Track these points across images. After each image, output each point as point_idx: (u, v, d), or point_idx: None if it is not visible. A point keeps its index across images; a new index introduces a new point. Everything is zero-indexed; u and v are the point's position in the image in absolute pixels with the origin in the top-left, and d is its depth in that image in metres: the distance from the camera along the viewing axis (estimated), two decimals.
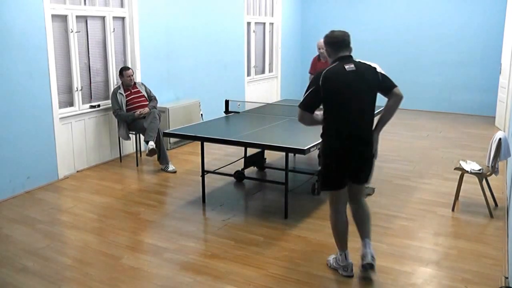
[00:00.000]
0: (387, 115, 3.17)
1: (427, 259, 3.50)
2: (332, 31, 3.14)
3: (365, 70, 3.04)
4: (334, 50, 3.08)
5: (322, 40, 6.55)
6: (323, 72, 2.99)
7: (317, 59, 6.62)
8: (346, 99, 3.00)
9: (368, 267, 3.14)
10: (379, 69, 3.09)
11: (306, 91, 3.06)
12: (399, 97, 3.14)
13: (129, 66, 6.16)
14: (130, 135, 5.88)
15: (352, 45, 3.13)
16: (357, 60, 3.08)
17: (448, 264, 3.42)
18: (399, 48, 9.82)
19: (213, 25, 7.72)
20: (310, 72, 6.70)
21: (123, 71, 5.79)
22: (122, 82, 5.83)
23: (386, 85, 3.11)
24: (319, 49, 6.47)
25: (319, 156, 3.40)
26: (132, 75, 5.83)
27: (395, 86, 3.13)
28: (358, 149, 3.06)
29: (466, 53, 9.20)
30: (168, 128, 6.03)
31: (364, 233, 3.25)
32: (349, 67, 2.98)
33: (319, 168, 3.31)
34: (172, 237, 3.90)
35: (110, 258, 3.55)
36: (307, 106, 3.05)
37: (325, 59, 6.49)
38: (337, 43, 3.06)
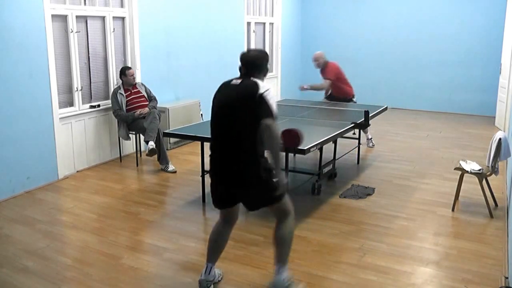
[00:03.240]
0: (271, 151, 2.71)
1: (427, 259, 3.50)
2: (249, 50, 3.05)
3: (246, 85, 2.76)
4: (240, 68, 2.91)
5: (316, 54, 6.72)
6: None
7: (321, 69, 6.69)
8: (218, 112, 2.83)
9: None
10: (264, 91, 2.70)
11: None
12: (268, 129, 2.63)
13: (129, 66, 6.16)
14: (130, 135, 5.88)
15: (265, 67, 2.93)
16: (253, 79, 2.81)
17: (448, 264, 3.42)
18: (399, 48, 9.82)
19: (213, 25, 7.72)
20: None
21: (126, 70, 5.79)
22: (123, 82, 5.83)
23: (262, 110, 2.66)
24: (313, 62, 6.60)
25: None
26: (134, 74, 5.84)
27: (268, 115, 2.64)
28: (226, 171, 2.81)
29: (466, 53, 9.21)
30: (168, 128, 6.03)
31: (275, 257, 2.95)
32: (235, 81, 2.83)
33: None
34: (172, 237, 3.90)
35: (110, 258, 3.55)
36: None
37: (321, 68, 6.61)
38: (245, 63, 2.88)
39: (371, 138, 6.82)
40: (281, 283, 2.90)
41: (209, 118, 2.95)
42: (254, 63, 2.89)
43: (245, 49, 8.60)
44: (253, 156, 2.74)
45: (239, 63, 2.93)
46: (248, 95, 2.72)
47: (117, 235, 3.95)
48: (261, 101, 2.68)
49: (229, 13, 8.15)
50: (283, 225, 2.92)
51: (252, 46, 9.04)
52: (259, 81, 2.79)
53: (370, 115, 5.14)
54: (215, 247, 3.06)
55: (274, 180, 2.75)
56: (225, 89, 2.87)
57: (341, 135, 4.76)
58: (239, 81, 2.83)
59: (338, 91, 6.69)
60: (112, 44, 6.06)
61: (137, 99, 5.86)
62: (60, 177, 5.37)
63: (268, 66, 3.00)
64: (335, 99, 6.68)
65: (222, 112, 2.80)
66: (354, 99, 6.79)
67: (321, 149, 4.78)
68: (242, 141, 2.73)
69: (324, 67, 6.60)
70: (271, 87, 2.86)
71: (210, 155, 2.91)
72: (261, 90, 2.71)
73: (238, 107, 2.74)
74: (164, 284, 3.17)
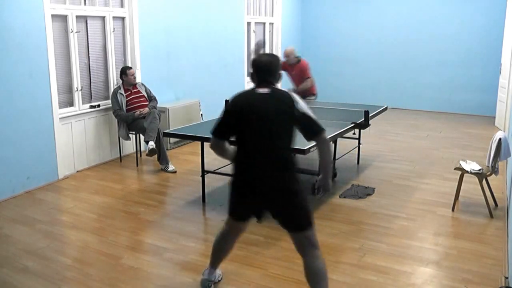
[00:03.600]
0: (323, 161, 2.69)
1: (427, 259, 3.50)
2: (260, 55, 2.88)
3: (281, 96, 2.63)
4: (253, 74, 2.72)
5: (288, 49, 6.64)
6: (234, 96, 2.72)
7: (285, 63, 6.62)
8: (250, 123, 2.61)
9: None
10: (298, 102, 2.62)
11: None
12: (324, 144, 2.66)
13: (130, 66, 6.16)
14: (130, 135, 5.88)
15: (279, 73, 2.77)
16: (281, 88, 2.75)
17: (448, 264, 3.42)
18: (399, 48, 9.82)
19: (213, 25, 7.71)
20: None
21: (127, 70, 5.79)
22: (123, 82, 5.83)
23: (307, 127, 2.63)
24: (284, 57, 6.53)
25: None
26: (135, 74, 5.84)
27: (320, 130, 2.61)
28: (263, 185, 2.61)
29: (466, 53, 9.21)
30: (168, 128, 6.02)
31: None
32: (262, 90, 2.63)
33: None
34: (172, 237, 3.90)
35: (110, 258, 3.55)
36: (217, 132, 2.75)
37: (293, 64, 6.53)
38: (260, 69, 2.70)
39: None
40: None
41: (212, 119, 2.94)
42: (270, 69, 2.71)
43: (244, 49, 8.65)
44: (290, 168, 2.65)
45: (251, 69, 2.74)
46: (286, 108, 2.59)
47: (117, 235, 3.95)
48: (304, 116, 2.59)
49: (229, 13, 8.14)
50: (315, 258, 2.67)
51: (252, 46, 9.04)
52: (292, 93, 2.67)
53: (370, 115, 5.14)
54: (220, 255, 3.02)
55: (320, 185, 2.72)
56: (255, 98, 2.63)
57: (341, 135, 4.76)
58: (266, 90, 2.63)
59: (306, 89, 6.54)
60: (112, 44, 6.06)
61: (137, 99, 5.86)
62: (60, 177, 5.37)
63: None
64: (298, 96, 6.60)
65: (258, 124, 2.59)
66: (314, 97, 6.75)
67: None
68: (279, 153, 2.62)
69: (296, 63, 6.49)
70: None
71: (240, 164, 2.70)
72: (297, 104, 2.60)
73: (276, 119, 2.59)
74: (164, 284, 3.17)
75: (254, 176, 2.63)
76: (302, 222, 2.66)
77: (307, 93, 6.59)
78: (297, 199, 2.63)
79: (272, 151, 2.61)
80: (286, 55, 6.55)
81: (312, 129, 2.62)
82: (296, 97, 2.65)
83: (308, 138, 2.68)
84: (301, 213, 2.66)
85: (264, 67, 2.71)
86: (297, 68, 6.54)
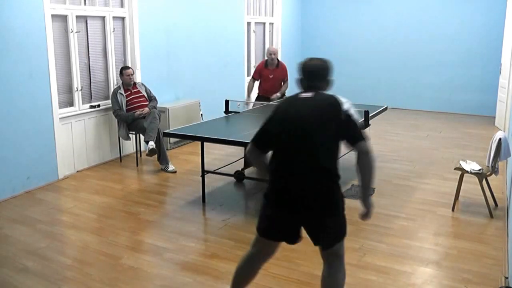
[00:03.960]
0: (363, 177, 2.45)
1: (427, 259, 3.50)
2: (310, 59, 2.56)
3: (325, 100, 2.40)
4: (302, 79, 2.52)
5: (274, 48, 6.67)
6: (279, 102, 2.52)
7: (264, 65, 6.65)
8: (290, 129, 2.37)
9: None
10: (348, 107, 2.45)
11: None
12: (366, 156, 2.39)
13: (129, 66, 6.16)
14: (130, 135, 5.88)
15: (330, 78, 2.53)
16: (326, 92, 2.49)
17: (448, 264, 3.42)
18: (399, 48, 9.82)
19: (213, 25, 7.71)
20: (253, 77, 6.79)
21: (123, 70, 5.79)
22: (122, 82, 5.83)
23: (349, 133, 2.38)
24: (270, 54, 6.54)
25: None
26: (132, 74, 5.83)
27: (361, 139, 2.38)
28: (302, 198, 2.35)
29: (466, 53, 9.21)
30: (168, 128, 6.02)
31: None
32: (305, 94, 2.43)
33: None
34: (172, 237, 3.90)
35: (110, 258, 3.55)
36: (256, 140, 2.51)
37: (273, 66, 6.56)
38: (308, 73, 2.49)
39: None
40: None
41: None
42: (320, 74, 2.48)
43: (244, 49, 8.65)
44: (334, 179, 2.39)
45: (299, 74, 2.51)
46: (331, 112, 2.35)
47: (117, 235, 3.95)
48: (349, 120, 2.36)
49: (229, 13, 8.14)
50: (337, 271, 2.52)
51: (252, 46, 9.04)
52: (338, 96, 2.42)
53: (370, 115, 5.14)
54: (242, 283, 2.66)
55: (365, 202, 2.51)
56: (297, 103, 2.43)
57: None
58: (310, 94, 2.41)
59: (274, 90, 6.64)
60: (112, 44, 6.06)
61: (137, 99, 5.86)
62: (60, 177, 5.37)
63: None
64: (264, 99, 6.63)
65: (299, 130, 2.34)
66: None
67: None
68: (322, 163, 2.34)
69: (278, 65, 6.63)
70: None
71: (277, 174, 2.42)
72: (345, 107, 2.37)
73: (320, 125, 2.33)
74: (164, 284, 3.17)
75: (292, 188, 2.36)
76: (337, 240, 2.46)
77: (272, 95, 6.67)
78: (338, 217, 2.41)
79: (314, 161, 2.33)
80: (275, 53, 6.58)
81: (353, 135, 2.37)
82: (343, 99, 2.40)
83: (351, 143, 2.39)
84: (338, 231, 2.45)
85: (313, 72, 2.47)
86: (277, 71, 6.62)
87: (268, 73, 6.66)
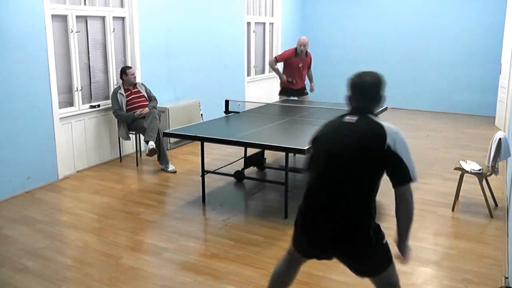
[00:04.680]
0: (400, 224, 2.23)
1: (427, 259, 3.50)
2: (361, 74, 2.26)
3: (369, 129, 2.14)
4: (351, 97, 2.27)
5: (306, 38, 6.80)
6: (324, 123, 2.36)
7: (294, 53, 6.68)
8: (323, 155, 2.23)
9: None
10: (392, 138, 2.10)
11: None
12: (405, 202, 2.14)
13: (130, 66, 6.16)
14: (130, 135, 5.88)
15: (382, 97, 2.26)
16: (374, 118, 2.20)
17: (448, 264, 3.42)
18: (399, 48, 9.82)
19: (213, 25, 7.71)
20: (277, 58, 6.85)
21: (127, 69, 5.79)
22: (123, 82, 5.83)
23: (394, 170, 2.12)
24: (300, 45, 6.62)
25: None
26: (135, 74, 5.84)
27: (406, 181, 2.10)
28: (326, 229, 2.19)
29: (466, 53, 9.20)
30: (168, 128, 6.02)
31: None
32: (349, 118, 2.22)
33: None
34: (172, 237, 3.90)
35: (110, 258, 3.55)
36: (305, 164, 2.41)
37: (302, 55, 6.63)
38: (356, 91, 2.25)
39: None
40: None
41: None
42: (373, 93, 2.22)
43: (244, 49, 8.65)
44: (366, 219, 2.18)
45: (348, 92, 2.27)
46: (374, 141, 2.09)
47: (117, 235, 3.95)
48: (392, 155, 2.07)
49: (229, 13, 8.14)
50: None
51: (252, 46, 9.04)
52: (384, 124, 2.14)
53: None
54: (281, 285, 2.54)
55: (400, 248, 2.27)
56: (339, 129, 2.23)
57: None
58: (354, 118, 2.19)
59: (303, 78, 6.81)
60: (112, 44, 6.06)
61: (137, 99, 5.86)
62: (60, 177, 5.37)
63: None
64: (296, 93, 6.77)
65: (335, 157, 2.16)
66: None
67: None
68: (355, 195, 2.15)
69: (307, 54, 6.78)
70: (399, 129, 2.15)
71: (306, 199, 2.28)
72: (389, 139, 2.08)
73: (357, 155, 2.11)
74: (164, 284, 3.17)
75: (315, 219, 2.21)
76: (374, 269, 2.26)
77: (303, 84, 6.81)
78: (369, 248, 2.19)
79: (343, 193, 2.13)
80: (304, 44, 6.65)
81: (398, 175, 2.10)
82: (392, 130, 2.12)
83: (393, 184, 2.14)
84: (372, 262, 2.24)
85: (365, 90, 2.20)
86: (306, 60, 6.77)
87: (298, 61, 6.72)
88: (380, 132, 2.10)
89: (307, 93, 6.89)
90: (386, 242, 2.24)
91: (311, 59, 6.90)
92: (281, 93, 6.94)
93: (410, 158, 2.11)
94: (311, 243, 2.28)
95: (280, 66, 6.83)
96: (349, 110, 2.26)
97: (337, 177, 2.15)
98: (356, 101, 2.23)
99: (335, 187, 2.16)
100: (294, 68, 6.71)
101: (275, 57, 6.91)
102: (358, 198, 2.15)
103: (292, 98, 6.82)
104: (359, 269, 2.29)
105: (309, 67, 6.90)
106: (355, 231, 2.16)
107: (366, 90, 2.21)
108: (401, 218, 2.19)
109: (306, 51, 6.73)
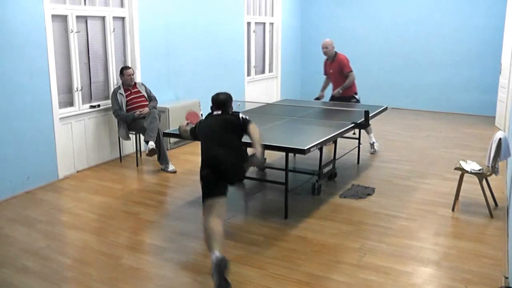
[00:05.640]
0: (257, 144, 3.50)
1: (427, 259, 3.50)
2: (218, 94, 3.85)
3: (228, 115, 3.69)
4: (213, 107, 3.80)
5: (326, 40, 6.54)
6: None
7: (326, 60, 6.63)
8: (207, 133, 3.64)
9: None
10: (241, 115, 3.66)
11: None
12: (254, 130, 3.55)
13: (129, 66, 6.17)
14: (130, 135, 5.88)
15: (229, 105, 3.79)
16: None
17: (448, 264, 3.42)
18: (399, 48, 9.82)
19: (213, 25, 7.71)
20: (324, 74, 6.71)
21: (124, 70, 5.79)
22: (122, 82, 5.83)
23: (244, 126, 3.58)
24: (322, 48, 6.53)
25: None
26: (132, 74, 5.83)
27: (249, 122, 3.59)
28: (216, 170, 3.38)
29: (466, 53, 9.20)
30: (168, 128, 6.02)
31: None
32: (216, 112, 3.74)
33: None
34: (172, 237, 3.90)
35: (110, 258, 3.55)
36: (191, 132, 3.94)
37: (331, 59, 6.54)
38: (215, 103, 3.79)
39: (373, 143, 6.42)
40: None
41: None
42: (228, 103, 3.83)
43: (244, 49, 8.65)
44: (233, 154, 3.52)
45: (212, 103, 3.87)
46: (235, 118, 3.71)
47: (117, 235, 3.95)
48: (244, 119, 3.63)
49: (229, 13, 8.14)
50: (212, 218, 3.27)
51: (252, 46, 9.05)
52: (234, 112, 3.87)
53: (370, 115, 5.14)
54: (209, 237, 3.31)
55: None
56: (212, 116, 3.80)
57: (341, 135, 4.76)
58: (219, 111, 3.75)
59: (336, 85, 6.48)
60: (112, 44, 6.06)
61: (137, 99, 5.86)
62: (60, 177, 5.37)
63: None
64: (338, 98, 6.38)
65: (214, 130, 3.66)
66: (357, 96, 6.52)
67: (321, 149, 4.78)
68: (231, 146, 3.56)
69: (335, 58, 6.43)
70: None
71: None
72: (240, 115, 3.67)
73: (228, 126, 3.63)
74: (164, 284, 3.17)
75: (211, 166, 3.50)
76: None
77: (349, 93, 6.41)
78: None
79: (227, 146, 3.56)
80: (325, 46, 6.42)
81: (247, 125, 3.58)
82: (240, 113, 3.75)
83: (245, 129, 3.58)
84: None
85: (217, 102, 3.88)
86: (334, 64, 6.46)
87: (329, 67, 6.55)
88: (237, 114, 3.68)
89: (355, 101, 6.45)
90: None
91: (342, 63, 6.41)
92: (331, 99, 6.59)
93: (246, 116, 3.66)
94: (214, 175, 3.38)
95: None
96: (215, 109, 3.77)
97: (218, 142, 3.51)
98: (215, 109, 3.79)
99: (218, 144, 3.49)
100: (329, 75, 6.60)
101: (324, 75, 6.73)
102: (233, 150, 3.49)
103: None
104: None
105: (343, 72, 6.38)
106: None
107: (221, 103, 3.78)
108: (256, 142, 3.51)
109: (335, 55, 6.44)
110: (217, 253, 3.00)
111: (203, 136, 3.67)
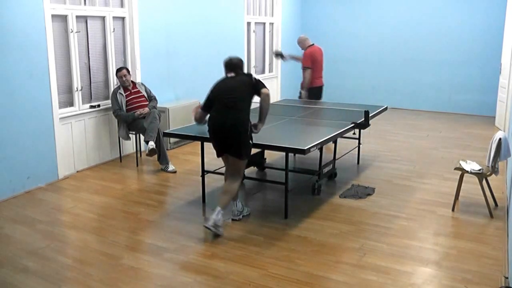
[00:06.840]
0: (262, 112, 3.94)
1: (427, 259, 3.50)
2: (230, 58, 4.11)
3: (242, 75, 3.98)
4: (226, 70, 4.07)
5: (299, 36, 6.78)
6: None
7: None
8: (220, 93, 3.96)
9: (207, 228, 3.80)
10: (253, 76, 3.94)
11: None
12: (266, 97, 3.82)
13: (129, 66, 6.17)
14: (130, 135, 5.88)
15: (243, 67, 4.15)
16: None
17: (448, 264, 3.42)
18: (399, 47, 9.82)
19: (213, 25, 7.71)
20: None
21: (117, 72, 5.78)
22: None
23: (258, 87, 3.84)
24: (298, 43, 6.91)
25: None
26: (125, 76, 5.75)
27: (263, 87, 3.83)
28: (222, 131, 3.84)
29: (466, 53, 9.21)
30: (168, 128, 6.02)
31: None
32: (230, 75, 3.99)
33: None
34: (172, 237, 3.90)
35: (110, 258, 3.55)
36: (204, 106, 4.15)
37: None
38: (228, 66, 4.06)
39: None
40: (216, 222, 3.82)
41: None
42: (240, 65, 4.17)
43: (244, 49, 8.64)
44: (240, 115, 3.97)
45: (225, 67, 4.20)
46: (248, 77, 4.10)
47: (117, 235, 3.95)
48: (256, 80, 3.99)
49: (229, 13, 8.14)
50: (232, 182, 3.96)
51: (252, 46, 9.04)
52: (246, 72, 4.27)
53: (370, 115, 5.14)
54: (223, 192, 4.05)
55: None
56: (226, 79, 4.17)
57: (341, 135, 4.76)
58: (232, 73, 4.11)
59: (312, 81, 6.73)
60: (112, 44, 6.06)
61: (137, 99, 5.86)
62: (60, 177, 5.37)
63: None
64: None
65: (228, 91, 4.08)
66: (303, 91, 6.81)
67: (321, 149, 4.78)
68: (241, 107, 3.96)
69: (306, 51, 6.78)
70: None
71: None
72: (253, 76, 4.01)
73: (242, 86, 4.01)
74: (164, 284, 3.17)
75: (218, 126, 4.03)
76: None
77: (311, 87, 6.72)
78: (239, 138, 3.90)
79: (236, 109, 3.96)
80: (297, 42, 6.87)
81: (260, 87, 3.88)
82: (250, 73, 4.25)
83: (257, 93, 3.88)
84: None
85: (231, 64, 4.24)
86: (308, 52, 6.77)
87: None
88: (249, 75, 4.00)
89: (299, 96, 6.92)
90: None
91: (303, 58, 6.77)
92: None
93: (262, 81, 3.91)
94: (218, 142, 3.93)
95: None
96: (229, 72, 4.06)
97: (230, 102, 3.84)
98: (228, 71, 4.07)
99: (227, 105, 3.85)
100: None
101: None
102: (241, 110, 3.85)
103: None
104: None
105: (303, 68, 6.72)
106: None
107: (235, 65, 4.08)
108: (263, 114, 3.92)
109: (306, 48, 6.77)
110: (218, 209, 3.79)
111: (216, 98, 3.94)
